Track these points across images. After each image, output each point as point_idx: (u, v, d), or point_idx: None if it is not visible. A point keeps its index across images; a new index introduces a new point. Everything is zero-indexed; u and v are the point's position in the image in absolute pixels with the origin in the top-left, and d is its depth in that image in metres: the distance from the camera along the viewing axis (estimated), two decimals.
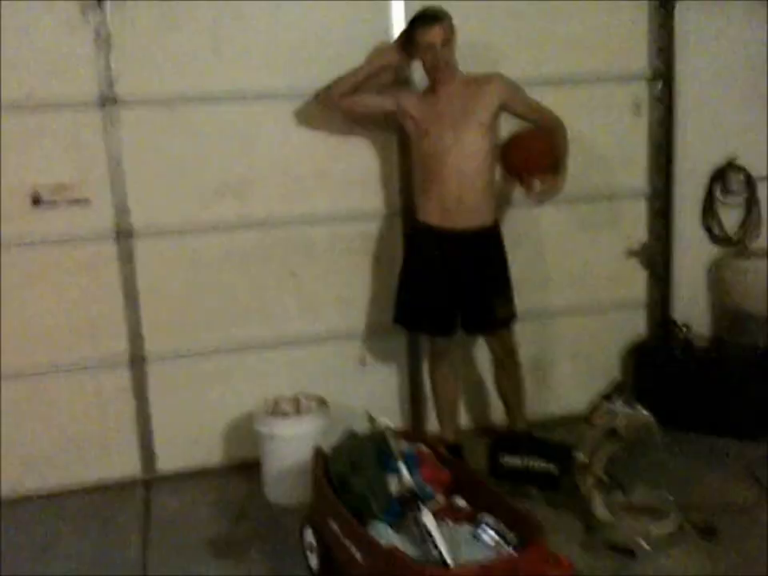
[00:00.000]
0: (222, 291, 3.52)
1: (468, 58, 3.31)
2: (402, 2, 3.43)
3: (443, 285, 3.28)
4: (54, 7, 3.15)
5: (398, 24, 3.42)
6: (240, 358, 3.56)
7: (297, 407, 3.39)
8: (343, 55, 3.37)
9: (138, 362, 3.45)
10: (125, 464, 3.51)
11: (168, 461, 3.54)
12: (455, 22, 3.16)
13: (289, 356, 3.60)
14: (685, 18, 3.78)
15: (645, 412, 3.11)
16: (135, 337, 3.43)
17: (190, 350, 3.50)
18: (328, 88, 3.25)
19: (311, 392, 3.43)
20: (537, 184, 3.22)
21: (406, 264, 3.39)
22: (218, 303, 3.52)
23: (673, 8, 3.76)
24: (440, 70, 3.13)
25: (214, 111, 3.39)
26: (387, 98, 3.29)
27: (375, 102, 3.30)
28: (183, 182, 3.41)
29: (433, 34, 3.06)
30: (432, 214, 3.25)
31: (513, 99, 3.25)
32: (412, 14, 3.23)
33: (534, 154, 3.22)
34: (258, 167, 3.47)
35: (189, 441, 3.54)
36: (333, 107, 3.30)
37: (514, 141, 3.27)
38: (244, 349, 3.56)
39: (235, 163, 3.44)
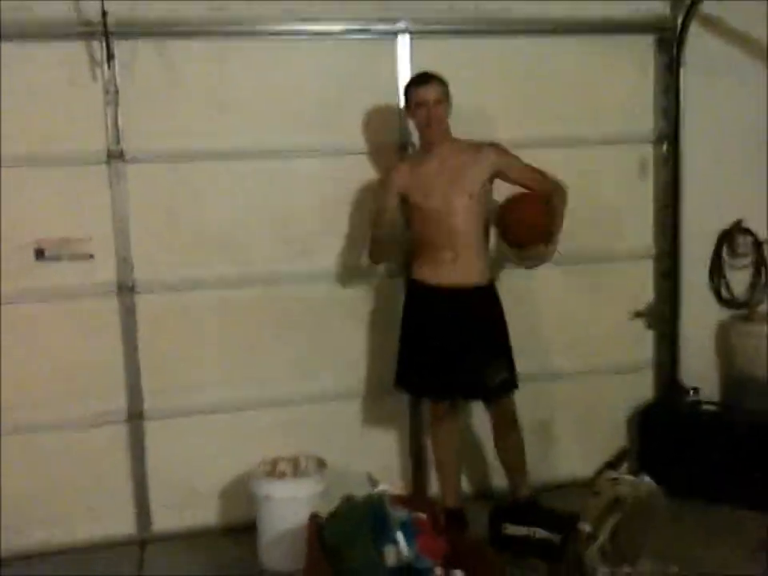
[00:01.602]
0: (223, 348, 3.50)
1: (479, 121, 3.40)
2: (408, 63, 3.49)
3: (439, 346, 3.23)
4: (63, 64, 3.20)
5: (405, 78, 3.44)
6: (239, 417, 3.51)
7: (295, 468, 3.32)
8: (344, 115, 3.47)
9: (136, 418, 3.41)
10: (119, 523, 3.44)
11: (163, 520, 3.47)
12: (467, 87, 3.27)
13: (289, 415, 3.55)
14: (691, 81, 3.80)
15: (649, 480, 3.05)
16: (134, 393, 3.40)
17: (189, 408, 3.46)
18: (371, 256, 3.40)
19: (311, 453, 3.38)
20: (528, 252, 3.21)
21: (404, 326, 3.35)
22: (218, 360, 3.49)
23: (678, 71, 3.79)
24: (432, 129, 3.16)
25: (220, 168, 3.41)
26: (391, 200, 3.27)
27: (392, 216, 3.31)
28: (187, 237, 3.42)
29: (425, 92, 3.13)
30: (426, 273, 3.24)
31: (507, 168, 3.25)
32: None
33: (526, 223, 3.17)
34: (261, 224, 3.48)
35: (185, 501, 3.48)
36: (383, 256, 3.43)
37: (509, 210, 3.21)
38: (244, 407, 3.52)
39: (239, 220, 3.46)
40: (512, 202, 3.23)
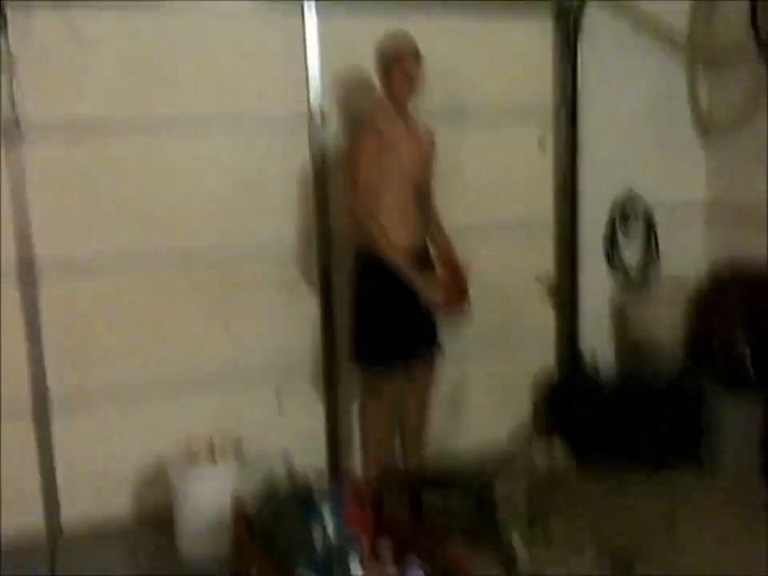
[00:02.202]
0: (132, 328, 3.37)
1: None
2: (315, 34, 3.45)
3: (407, 306, 3.22)
4: None
5: (313, 47, 3.45)
6: (151, 399, 3.40)
7: (211, 451, 3.24)
8: (254, 86, 3.41)
9: (42, 408, 3.25)
10: (28, 520, 3.27)
11: (75, 514, 3.33)
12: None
13: (203, 396, 3.46)
14: (588, 55, 3.92)
15: (559, 446, 3.18)
16: (39, 382, 3.23)
17: (99, 394, 3.33)
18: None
19: (227, 434, 3.31)
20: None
21: (376, 300, 3.25)
22: (126, 341, 3.37)
23: (576, 46, 3.88)
24: (409, 89, 3.17)
25: (128, 140, 3.27)
26: (374, 171, 3.14)
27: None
28: (94, 213, 3.27)
29: (409, 52, 3.15)
30: (401, 239, 3.20)
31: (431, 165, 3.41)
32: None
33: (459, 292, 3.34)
34: (174, 198, 3.37)
35: (97, 491, 3.34)
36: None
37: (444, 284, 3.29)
38: (155, 389, 3.41)
39: (150, 195, 3.33)
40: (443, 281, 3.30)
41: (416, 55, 3.17)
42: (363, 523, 2.72)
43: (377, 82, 3.27)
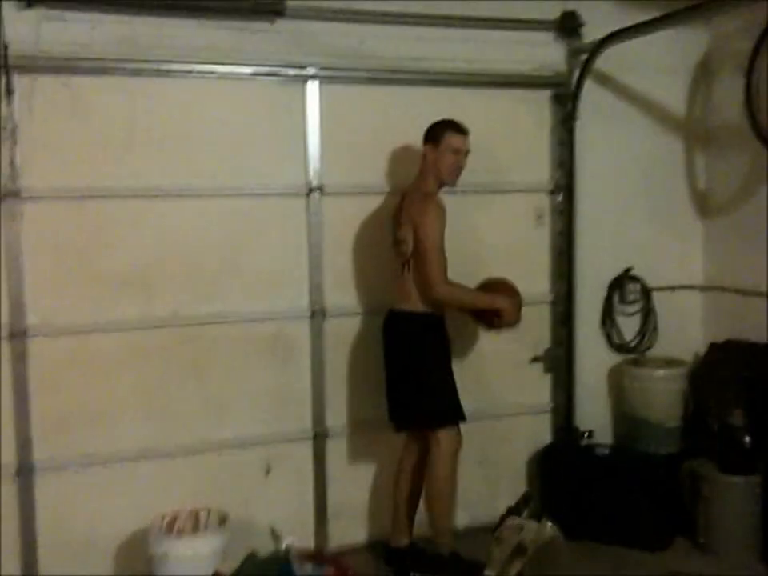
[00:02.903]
0: (120, 395, 3.35)
1: (385, 166, 3.52)
2: (317, 107, 3.52)
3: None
4: None
5: (313, 122, 3.52)
6: (137, 467, 3.36)
7: (195, 523, 3.19)
8: (253, 157, 3.47)
9: (25, 471, 3.21)
10: None
11: None
12: (374, 133, 3.45)
13: (189, 465, 3.43)
14: (585, 135, 3.97)
15: (551, 525, 3.11)
16: (24, 444, 3.20)
17: (83, 459, 3.29)
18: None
19: (211, 505, 3.26)
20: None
21: (439, 359, 3.38)
22: (114, 407, 3.34)
23: (573, 125, 3.94)
24: (457, 177, 3.36)
25: (125, 207, 3.32)
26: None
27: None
28: (84, 279, 3.28)
29: (465, 141, 3.35)
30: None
31: None
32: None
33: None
34: (164, 264, 3.38)
35: (77, 558, 3.27)
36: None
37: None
38: (141, 457, 3.37)
39: (140, 260, 3.35)
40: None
41: (468, 142, 3.36)
42: None
43: (419, 157, 3.38)
